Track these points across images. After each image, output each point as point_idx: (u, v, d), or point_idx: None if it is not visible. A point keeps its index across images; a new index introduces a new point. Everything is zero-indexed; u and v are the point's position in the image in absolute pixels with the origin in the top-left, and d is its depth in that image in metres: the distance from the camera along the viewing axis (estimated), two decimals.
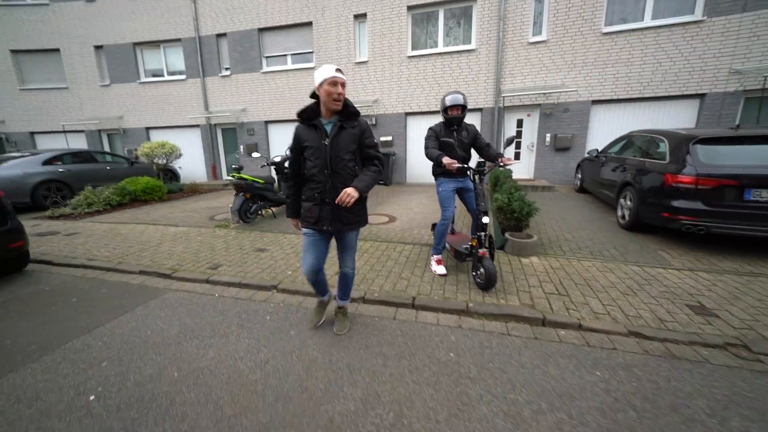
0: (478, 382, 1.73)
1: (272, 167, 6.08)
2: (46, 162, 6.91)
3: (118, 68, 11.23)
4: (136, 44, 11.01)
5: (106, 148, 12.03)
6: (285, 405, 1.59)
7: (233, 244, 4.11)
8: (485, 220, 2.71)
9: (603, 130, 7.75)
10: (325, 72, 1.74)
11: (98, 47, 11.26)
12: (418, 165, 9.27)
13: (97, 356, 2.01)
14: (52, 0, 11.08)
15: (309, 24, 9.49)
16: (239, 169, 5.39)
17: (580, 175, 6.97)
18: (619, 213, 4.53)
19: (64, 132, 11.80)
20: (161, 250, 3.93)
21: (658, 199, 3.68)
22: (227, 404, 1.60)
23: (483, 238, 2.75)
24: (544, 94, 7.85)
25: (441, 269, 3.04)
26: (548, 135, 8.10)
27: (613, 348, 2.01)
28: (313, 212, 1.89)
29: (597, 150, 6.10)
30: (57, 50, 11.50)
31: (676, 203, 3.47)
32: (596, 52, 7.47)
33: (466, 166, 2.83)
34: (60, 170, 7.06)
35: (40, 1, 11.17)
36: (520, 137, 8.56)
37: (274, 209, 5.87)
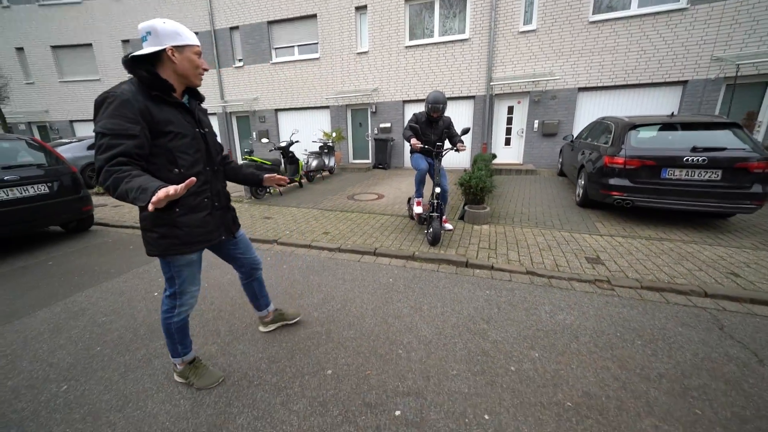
0: (401, 293, 2.57)
1: (279, 151, 6.96)
2: (90, 147, 8.05)
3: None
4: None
5: None
6: (273, 298, 2.49)
7: (246, 214, 5.04)
8: (437, 190, 3.51)
9: (589, 117, 8.13)
10: (189, 36, 1.34)
11: (125, 41, 12.30)
12: None
13: (154, 276, 2.98)
14: None
15: (314, 16, 10.10)
16: (251, 153, 6.30)
17: (560, 160, 7.50)
18: (576, 192, 5.16)
19: (85, 120, 13.07)
20: None
21: (599, 178, 4.30)
22: (229, 303, 2.52)
23: (435, 205, 3.52)
24: (533, 81, 8.27)
25: (419, 209, 3.88)
26: (536, 121, 8.57)
27: (509, 280, 2.79)
28: (208, 223, 1.49)
29: (572, 136, 6.62)
30: (90, 45, 12.64)
31: (611, 181, 4.10)
32: (583, 40, 7.79)
33: (427, 147, 3.61)
34: None
35: (73, 0, 12.24)
36: (511, 124, 9.06)
37: (280, 188, 6.79)
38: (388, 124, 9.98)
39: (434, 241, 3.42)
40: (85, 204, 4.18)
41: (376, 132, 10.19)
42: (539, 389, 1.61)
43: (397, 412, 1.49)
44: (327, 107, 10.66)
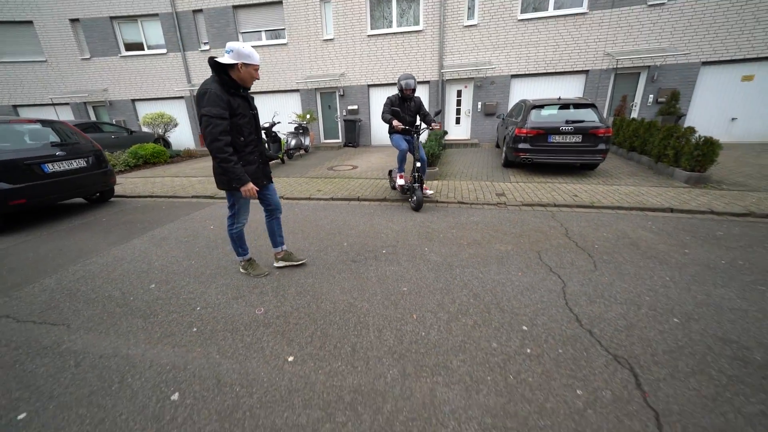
0: (378, 216, 4.02)
1: (263, 131, 7.91)
2: None
3: (97, 42, 11.91)
4: (113, 18, 11.66)
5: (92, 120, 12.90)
6: (294, 224, 3.81)
7: None
8: (418, 164, 4.16)
9: (519, 99, 10.02)
10: (255, 58, 2.03)
11: (74, 20, 11.78)
12: (380, 130, 11.24)
13: (201, 219, 4.11)
14: None
15: (279, 2, 10.69)
16: None
17: (497, 134, 9.32)
18: (502, 156, 6.93)
19: (53, 104, 12.51)
20: (196, 188, 5.88)
21: (512, 144, 6.02)
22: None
23: (416, 176, 4.16)
24: (476, 69, 9.90)
25: (401, 181, 4.51)
26: (479, 103, 10.29)
27: (446, 207, 4.37)
28: (256, 172, 2.27)
29: (503, 114, 8.40)
30: (30, 22, 11.87)
31: (519, 146, 5.83)
32: (514, 35, 9.51)
33: (408, 127, 4.19)
34: None
35: None
36: (460, 105, 10.71)
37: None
38: (355, 107, 11.13)
39: (418, 206, 4.06)
40: (111, 176, 5.02)
41: (344, 113, 11.29)
42: (455, 240, 3.17)
43: (384, 251, 2.98)
44: (297, 91, 11.47)
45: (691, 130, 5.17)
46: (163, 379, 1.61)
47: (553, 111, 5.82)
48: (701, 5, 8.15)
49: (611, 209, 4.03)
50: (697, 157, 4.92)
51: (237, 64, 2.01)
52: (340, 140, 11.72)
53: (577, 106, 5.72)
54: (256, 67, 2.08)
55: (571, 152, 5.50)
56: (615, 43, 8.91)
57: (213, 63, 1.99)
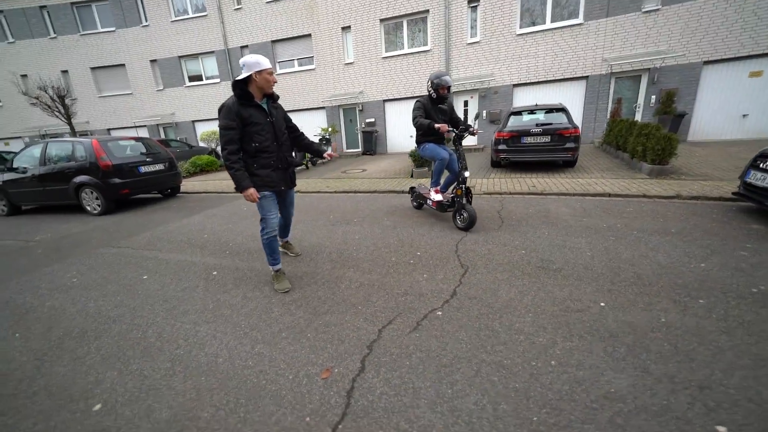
0: (356, 202, 5.22)
1: None
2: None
3: (168, 76, 14.85)
4: (180, 57, 14.52)
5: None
6: (309, 210, 5.15)
7: None
8: (466, 174, 3.35)
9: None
10: (264, 64, 2.13)
11: (153, 61, 14.86)
12: (394, 138, 12.54)
13: (237, 206, 5.63)
14: (117, 27, 14.65)
15: (309, 35, 12.65)
16: None
17: None
18: (491, 157, 7.78)
19: (135, 127, 15.70)
20: None
21: (494, 146, 6.90)
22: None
23: (465, 190, 3.43)
24: (480, 81, 10.83)
25: (438, 196, 3.74)
26: (485, 111, 11.15)
27: None
28: (272, 176, 2.34)
29: (501, 122, 9.21)
30: (123, 65, 15.21)
31: (499, 147, 6.71)
32: (514, 48, 10.34)
33: (455, 131, 3.33)
34: None
35: (108, 29, 14.77)
36: (467, 115, 11.64)
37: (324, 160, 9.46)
38: (372, 119, 12.57)
39: (471, 223, 3.36)
40: (179, 177, 6.86)
41: (363, 126, 12.79)
42: (412, 215, 4.24)
43: (355, 220, 4.16)
44: (323, 108, 13.25)
45: (658, 128, 5.71)
46: (206, 266, 2.96)
47: (530, 116, 6.65)
48: (697, 8, 8.39)
49: (556, 195, 4.82)
50: (657, 151, 5.46)
51: (251, 75, 2.15)
52: (359, 149, 13.21)
53: (551, 110, 6.49)
54: (269, 71, 2.18)
55: (541, 151, 6.27)
56: (612, 49, 9.36)
57: (232, 82, 2.18)
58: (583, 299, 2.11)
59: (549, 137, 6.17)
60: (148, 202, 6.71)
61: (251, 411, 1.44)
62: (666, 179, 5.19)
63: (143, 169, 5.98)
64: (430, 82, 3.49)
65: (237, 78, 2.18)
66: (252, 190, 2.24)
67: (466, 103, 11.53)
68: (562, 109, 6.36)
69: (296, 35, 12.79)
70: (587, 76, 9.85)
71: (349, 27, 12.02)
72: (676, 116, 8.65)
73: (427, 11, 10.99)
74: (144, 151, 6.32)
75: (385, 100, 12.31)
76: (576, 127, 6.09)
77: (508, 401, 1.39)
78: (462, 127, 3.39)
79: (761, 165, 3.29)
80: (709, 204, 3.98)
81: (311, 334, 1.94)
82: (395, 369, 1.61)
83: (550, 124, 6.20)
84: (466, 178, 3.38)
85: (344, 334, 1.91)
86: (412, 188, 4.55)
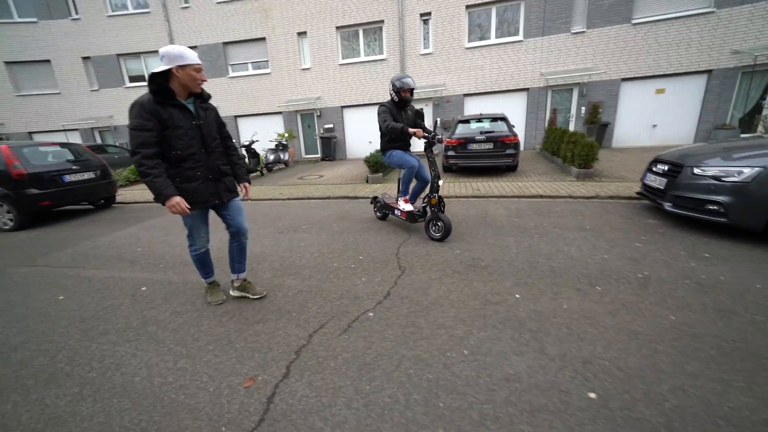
0: (309, 210, 5.21)
1: (243, 149, 9.25)
2: None
3: (105, 75, 13.57)
4: (119, 55, 13.36)
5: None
6: (265, 217, 5.01)
7: None
8: (440, 182, 3.19)
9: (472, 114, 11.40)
10: (190, 57, 1.81)
11: (86, 58, 13.48)
12: (354, 144, 12.62)
13: (168, 221, 5.30)
14: (40, 18, 13.10)
15: (263, 39, 12.34)
16: None
17: None
18: (443, 163, 8.17)
19: (65, 131, 14.05)
20: None
21: (444, 152, 7.26)
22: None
23: (438, 198, 3.18)
24: (434, 90, 11.34)
25: (408, 206, 3.57)
26: (438, 119, 11.61)
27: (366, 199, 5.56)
28: (200, 190, 1.99)
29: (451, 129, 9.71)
30: (48, 61, 13.60)
31: (448, 153, 7.07)
32: (463, 60, 11.00)
33: (428, 137, 3.16)
34: None
35: (28, 19, 13.15)
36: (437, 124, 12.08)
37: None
38: (331, 125, 12.55)
39: (447, 232, 3.21)
40: (113, 186, 6.29)
41: (322, 131, 12.71)
42: (357, 219, 4.32)
43: (303, 227, 4.14)
44: (280, 113, 12.96)
45: (583, 136, 6.42)
46: (135, 282, 2.76)
47: (477, 124, 7.12)
48: (614, 33, 9.62)
49: (496, 197, 5.21)
50: (583, 156, 6.13)
51: (171, 69, 1.81)
52: (318, 155, 13.08)
53: (495, 119, 7.01)
54: (195, 68, 1.85)
55: (485, 157, 6.73)
56: (548, 64, 10.35)
57: (149, 75, 1.81)
58: (502, 292, 2.32)
59: (492, 144, 6.65)
60: (76, 214, 6.06)
61: (164, 428, 1.39)
62: (590, 181, 5.84)
63: (68, 178, 5.39)
64: (392, 85, 3.30)
65: (154, 71, 1.81)
66: (178, 199, 1.84)
67: (421, 110, 11.98)
68: (503, 118, 6.91)
69: (250, 38, 12.41)
70: (528, 89, 10.77)
71: (305, 33, 11.95)
72: (602, 126, 9.78)
73: (382, 21, 11.31)
74: (71, 158, 5.71)
75: (343, 107, 12.37)
76: (515, 135, 6.64)
77: (419, 391, 1.50)
78: (434, 133, 3.25)
79: (654, 168, 3.86)
80: (621, 203, 4.57)
81: (240, 344, 1.91)
82: (319, 371, 1.66)
83: (493, 132, 6.70)
84: (439, 186, 3.21)
85: (273, 342, 1.91)
86: (374, 198, 4.29)
